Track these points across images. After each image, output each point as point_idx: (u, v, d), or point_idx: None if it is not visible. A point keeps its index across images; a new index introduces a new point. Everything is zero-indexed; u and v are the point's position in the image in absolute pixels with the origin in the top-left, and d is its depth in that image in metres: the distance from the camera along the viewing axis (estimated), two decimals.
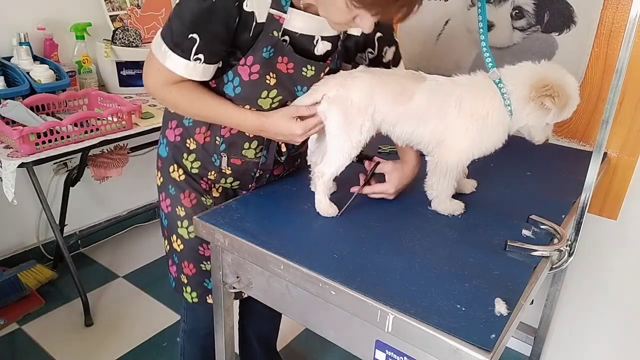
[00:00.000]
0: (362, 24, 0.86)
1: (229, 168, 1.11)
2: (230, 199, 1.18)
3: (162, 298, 2.13)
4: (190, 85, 0.97)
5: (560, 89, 0.93)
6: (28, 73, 1.82)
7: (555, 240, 0.96)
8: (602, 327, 1.68)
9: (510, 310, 0.76)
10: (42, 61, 1.93)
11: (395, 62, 1.15)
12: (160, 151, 1.17)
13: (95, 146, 1.74)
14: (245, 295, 1.04)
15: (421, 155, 1.09)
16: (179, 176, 1.15)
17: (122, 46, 2.07)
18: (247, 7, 0.90)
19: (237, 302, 1.33)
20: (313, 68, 0.99)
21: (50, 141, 1.61)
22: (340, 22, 0.88)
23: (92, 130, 1.72)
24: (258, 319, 1.57)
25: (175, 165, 1.15)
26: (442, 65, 1.75)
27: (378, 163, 1.10)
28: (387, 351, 0.82)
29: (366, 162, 1.12)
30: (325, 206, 1.04)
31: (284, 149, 1.12)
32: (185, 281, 1.20)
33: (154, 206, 2.50)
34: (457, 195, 1.08)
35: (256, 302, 1.05)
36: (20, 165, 1.55)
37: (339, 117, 1.00)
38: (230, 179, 1.14)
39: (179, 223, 1.16)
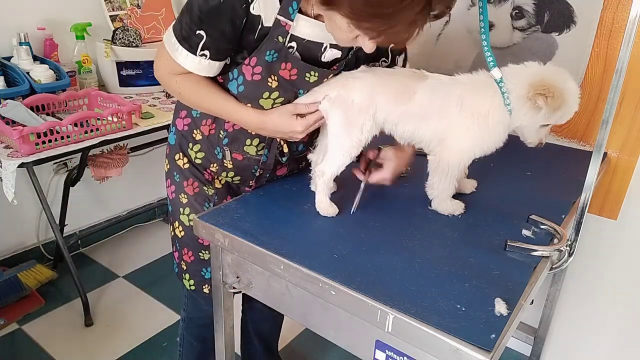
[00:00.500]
0: (364, 44, 0.87)
1: (231, 162, 1.12)
2: (232, 192, 1.20)
3: (162, 298, 2.13)
4: (195, 77, 0.99)
5: (557, 91, 0.93)
6: (28, 73, 1.82)
7: (555, 240, 0.96)
8: (602, 327, 1.68)
9: (510, 310, 0.76)
10: (42, 61, 1.93)
11: (403, 65, 1.17)
12: (169, 139, 1.21)
13: (95, 146, 1.74)
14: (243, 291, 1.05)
15: (422, 155, 1.09)
16: (184, 164, 1.17)
17: (122, 46, 2.07)
18: (254, 10, 0.90)
19: (239, 298, 1.34)
20: (317, 74, 0.99)
21: (50, 141, 1.61)
22: (343, 41, 0.90)
23: (92, 130, 1.72)
24: (260, 317, 1.57)
25: (181, 154, 1.17)
26: (442, 66, 1.75)
27: (380, 150, 1.10)
28: (387, 351, 0.82)
29: (369, 151, 1.12)
30: (325, 206, 1.04)
31: (286, 150, 1.12)
32: (185, 268, 1.23)
33: (154, 206, 2.50)
34: (457, 195, 1.08)
35: (258, 300, 1.06)
36: (20, 165, 1.55)
37: (340, 117, 1.00)
38: (231, 173, 1.15)
39: (181, 210, 1.18)
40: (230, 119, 1.05)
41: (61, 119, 1.70)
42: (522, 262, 0.90)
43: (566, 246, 0.92)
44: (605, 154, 1.48)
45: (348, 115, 0.99)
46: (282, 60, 0.95)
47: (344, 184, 1.11)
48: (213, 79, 1.02)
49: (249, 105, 1.01)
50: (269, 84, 0.98)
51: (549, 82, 0.94)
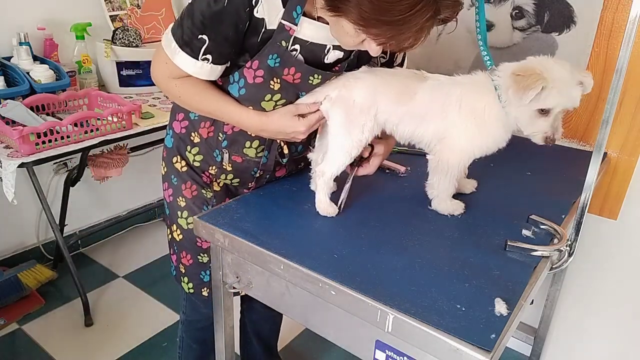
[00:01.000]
0: (370, 48, 0.87)
1: (230, 165, 1.12)
2: (230, 194, 1.20)
3: (162, 298, 2.13)
4: (195, 80, 0.98)
5: (529, 70, 0.90)
6: (28, 73, 1.82)
7: (555, 240, 0.96)
8: (602, 326, 1.68)
9: (510, 310, 0.76)
10: (42, 61, 1.93)
11: (402, 61, 1.18)
12: (166, 141, 1.20)
13: (95, 146, 1.74)
14: (244, 293, 1.05)
15: (422, 155, 1.09)
16: (182, 167, 1.16)
17: (122, 46, 2.07)
18: (257, 13, 0.89)
19: (238, 299, 1.34)
20: (320, 77, 0.99)
21: (50, 141, 1.61)
22: (349, 45, 0.89)
23: (92, 130, 1.72)
24: (259, 317, 1.57)
25: (179, 157, 1.16)
26: (442, 65, 1.75)
27: (372, 147, 1.10)
28: (387, 351, 0.82)
29: (364, 150, 1.11)
30: (325, 205, 1.04)
31: (286, 151, 1.12)
32: (183, 271, 1.22)
33: (154, 206, 2.50)
34: (457, 195, 1.08)
35: (257, 301, 1.06)
36: (20, 165, 1.55)
37: (341, 117, 1.00)
38: (230, 176, 1.15)
39: (179, 213, 1.17)
40: (231, 121, 1.04)
41: (61, 119, 1.70)
42: (522, 262, 0.90)
43: (566, 246, 0.92)
44: (605, 154, 1.48)
45: (349, 115, 0.99)
46: (285, 65, 0.95)
47: (344, 183, 1.11)
48: (212, 82, 1.01)
49: (251, 107, 1.01)
50: (271, 86, 0.97)
51: (529, 66, 0.93)
